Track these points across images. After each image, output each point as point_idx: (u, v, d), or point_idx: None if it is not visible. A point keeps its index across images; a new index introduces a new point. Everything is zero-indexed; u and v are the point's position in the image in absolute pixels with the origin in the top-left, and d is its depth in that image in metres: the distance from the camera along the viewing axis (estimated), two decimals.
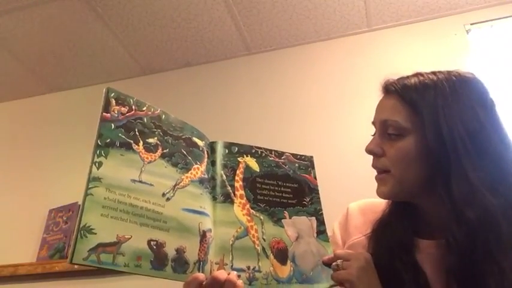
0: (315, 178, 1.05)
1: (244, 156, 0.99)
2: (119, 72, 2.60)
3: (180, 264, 0.77)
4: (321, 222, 1.00)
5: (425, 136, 0.85)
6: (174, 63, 2.54)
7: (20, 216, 2.35)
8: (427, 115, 0.85)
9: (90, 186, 0.72)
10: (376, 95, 0.97)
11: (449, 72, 0.91)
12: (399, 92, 0.90)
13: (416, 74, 0.93)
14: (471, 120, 0.85)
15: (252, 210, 0.93)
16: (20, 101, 2.79)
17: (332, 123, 2.13)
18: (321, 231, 0.99)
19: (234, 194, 0.92)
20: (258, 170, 0.99)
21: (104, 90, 0.82)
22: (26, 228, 2.30)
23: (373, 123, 0.96)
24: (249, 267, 0.86)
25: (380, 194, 0.92)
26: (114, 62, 2.52)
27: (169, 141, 0.88)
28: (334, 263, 0.87)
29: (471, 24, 2.13)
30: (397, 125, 0.88)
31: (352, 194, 1.15)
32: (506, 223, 0.78)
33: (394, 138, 0.89)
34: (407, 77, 0.93)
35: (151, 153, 0.83)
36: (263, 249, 0.90)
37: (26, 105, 2.77)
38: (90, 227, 0.70)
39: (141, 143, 0.83)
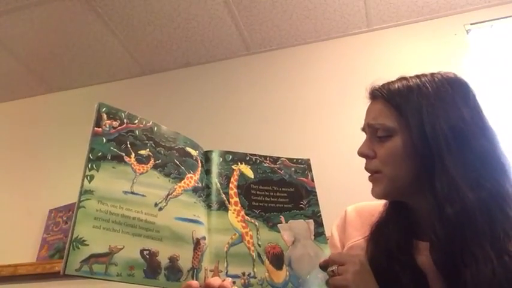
0: (313, 180, 1.05)
1: (239, 163, 1.00)
2: (119, 72, 2.60)
3: (174, 272, 0.79)
4: (319, 224, 1.00)
5: (411, 135, 0.87)
6: (174, 63, 2.54)
7: (20, 216, 2.35)
8: (411, 116, 0.88)
9: (82, 199, 0.74)
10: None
11: (432, 75, 0.94)
12: (384, 96, 0.93)
13: (401, 79, 0.95)
14: (454, 117, 0.87)
15: (246, 217, 0.93)
16: (20, 101, 2.79)
17: (332, 123, 2.13)
18: (319, 233, 0.98)
19: (229, 202, 0.93)
20: (252, 176, 0.99)
21: (96, 105, 0.84)
22: (26, 228, 2.29)
23: (363, 129, 0.98)
24: (244, 274, 0.86)
25: (374, 194, 0.93)
26: (114, 62, 2.52)
27: (162, 152, 0.89)
28: (329, 269, 0.86)
29: (471, 24, 2.12)
30: (384, 127, 0.91)
31: (353, 195, 1.14)
32: (483, 217, 0.80)
33: (384, 140, 0.91)
34: (392, 81, 0.96)
35: (143, 165, 0.85)
36: (258, 255, 0.90)
37: (26, 105, 2.76)
38: (82, 239, 0.71)
39: (133, 155, 0.84)
